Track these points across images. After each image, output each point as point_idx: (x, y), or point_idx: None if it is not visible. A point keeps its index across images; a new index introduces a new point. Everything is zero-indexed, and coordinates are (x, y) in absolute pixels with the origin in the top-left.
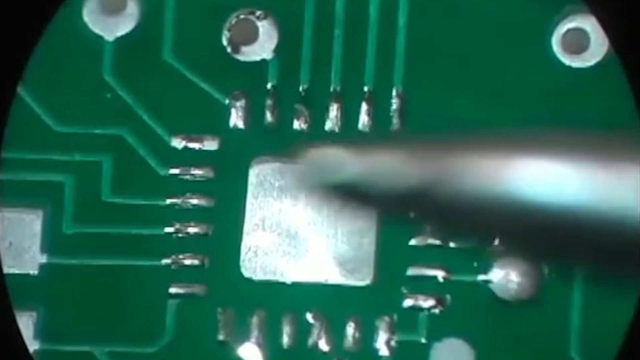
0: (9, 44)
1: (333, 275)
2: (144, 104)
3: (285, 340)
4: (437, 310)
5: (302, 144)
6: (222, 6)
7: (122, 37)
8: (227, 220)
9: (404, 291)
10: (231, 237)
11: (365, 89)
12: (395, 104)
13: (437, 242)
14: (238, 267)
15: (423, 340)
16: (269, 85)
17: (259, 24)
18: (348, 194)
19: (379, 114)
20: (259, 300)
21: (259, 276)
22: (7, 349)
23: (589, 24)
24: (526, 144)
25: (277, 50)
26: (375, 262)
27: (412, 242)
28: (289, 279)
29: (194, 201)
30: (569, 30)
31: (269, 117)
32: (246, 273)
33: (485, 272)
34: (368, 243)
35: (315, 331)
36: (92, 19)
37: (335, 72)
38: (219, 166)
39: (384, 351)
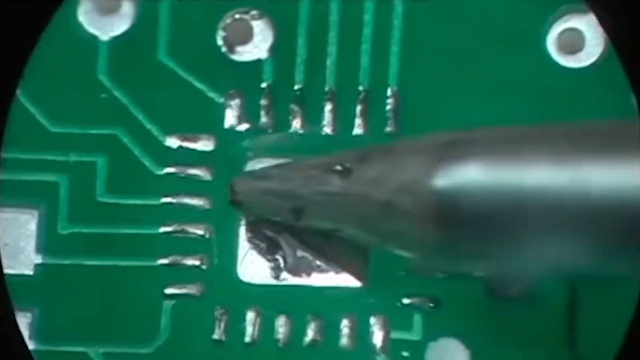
0: (8, 44)
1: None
2: (139, 103)
3: (281, 339)
4: (432, 310)
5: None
6: (217, 6)
7: (117, 37)
8: (223, 219)
9: (400, 291)
10: (227, 237)
11: (360, 88)
12: (390, 103)
13: None
14: (234, 267)
15: (418, 340)
16: (264, 85)
17: (254, 23)
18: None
19: (373, 113)
20: (254, 301)
21: (254, 276)
22: (7, 349)
23: (584, 24)
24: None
25: (272, 50)
26: (370, 262)
27: None
28: (284, 279)
29: (189, 201)
30: (564, 31)
31: (263, 116)
32: (242, 273)
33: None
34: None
35: (310, 331)
36: (87, 19)
37: (330, 71)
38: (214, 165)
39: (379, 350)
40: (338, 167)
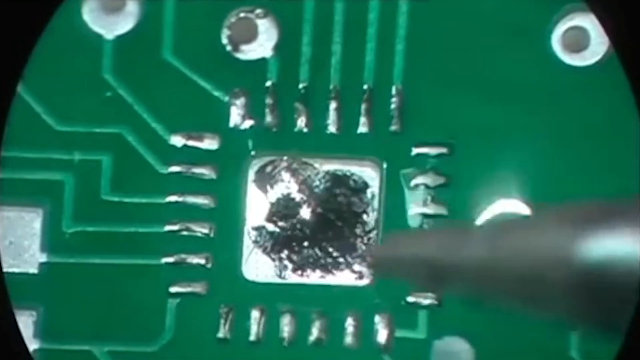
0: (9, 43)
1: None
2: (144, 102)
3: (286, 338)
4: (437, 308)
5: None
6: (221, 4)
7: (122, 35)
8: (228, 218)
9: (404, 289)
10: (232, 235)
11: (365, 87)
12: (394, 102)
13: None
14: (239, 265)
15: (423, 338)
16: (268, 84)
17: (259, 22)
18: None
19: (378, 112)
20: (259, 299)
21: (259, 275)
22: (7, 349)
23: (589, 22)
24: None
25: (277, 48)
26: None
27: None
28: (289, 277)
29: (194, 199)
30: (569, 29)
31: (268, 115)
32: (247, 272)
33: None
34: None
35: (315, 329)
36: (92, 18)
37: (334, 70)
38: (218, 164)
39: (384, 349)
40: (479, 236)
